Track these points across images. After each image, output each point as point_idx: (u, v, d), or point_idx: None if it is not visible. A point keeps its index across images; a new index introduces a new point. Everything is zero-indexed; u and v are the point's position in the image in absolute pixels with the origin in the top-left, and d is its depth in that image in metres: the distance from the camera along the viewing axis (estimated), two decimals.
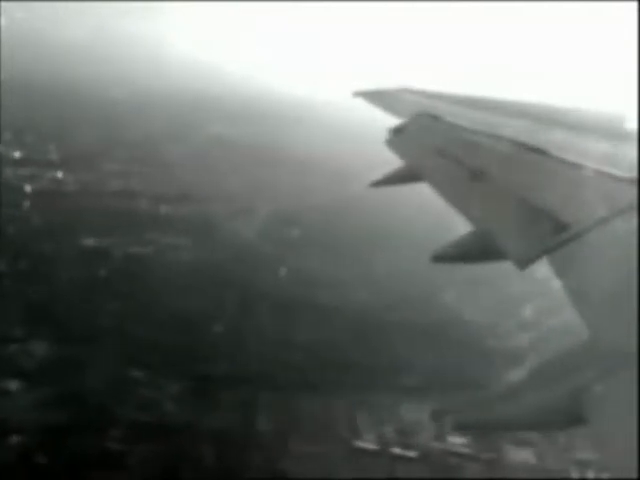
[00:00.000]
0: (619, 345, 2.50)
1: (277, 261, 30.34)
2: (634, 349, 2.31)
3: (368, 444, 18.41)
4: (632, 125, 5.31)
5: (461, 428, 3.60)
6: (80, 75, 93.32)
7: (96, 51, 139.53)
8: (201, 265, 28.72)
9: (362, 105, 10.26)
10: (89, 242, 29.07)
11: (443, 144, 6.64)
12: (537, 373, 3.03)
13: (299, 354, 22.11)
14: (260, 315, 24.36)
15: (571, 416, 2.44)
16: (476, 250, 4.65)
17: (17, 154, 43.28)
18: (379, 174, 7.40)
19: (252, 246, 32.23)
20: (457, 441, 19.43)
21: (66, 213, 32.94)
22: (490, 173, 5.17)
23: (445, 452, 18.60)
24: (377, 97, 10.22)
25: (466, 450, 18.82)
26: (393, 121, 8.26)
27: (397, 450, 18.33)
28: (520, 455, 19.06)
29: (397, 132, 7.90)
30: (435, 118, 7.58)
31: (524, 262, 3.66)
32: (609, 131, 5.57)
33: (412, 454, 18.26)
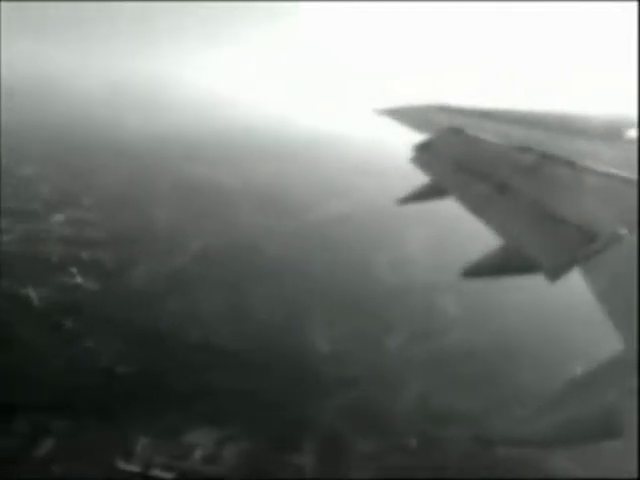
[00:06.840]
0: None
1: (154, 298, 32.37)
2: None
3: (132, 467, 19.82)
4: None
5: (492, 443, 3.65)
6: (85, 121, 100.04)
7: (105, 98, 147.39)
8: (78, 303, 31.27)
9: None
10: None
11: (468, 158, 6.69)
12: (571, 388, 2.98)
13: (116, 382, 23.92)
14: (92, 345, 26.49)
15: (605, 430, 2.42)
16: (506, 264, 4.72)
17: None
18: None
19: (141, 287, 34.28)
20: (229, 463, 20.54)
21: None
22: (516, 185, 5.18)
23: (203, 476, 19.78)
24: (400, 114, 10.24)
25: (227, 473, 19.92)
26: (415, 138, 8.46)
27: (156, 472, 19.66)
28: None
29: (422, 148, 8.00)
30: (459, 132, 7.63)
31: (555, 273, 3.66)
32: (632, 139, 5.57)
33: (168, 476, 19.54)
